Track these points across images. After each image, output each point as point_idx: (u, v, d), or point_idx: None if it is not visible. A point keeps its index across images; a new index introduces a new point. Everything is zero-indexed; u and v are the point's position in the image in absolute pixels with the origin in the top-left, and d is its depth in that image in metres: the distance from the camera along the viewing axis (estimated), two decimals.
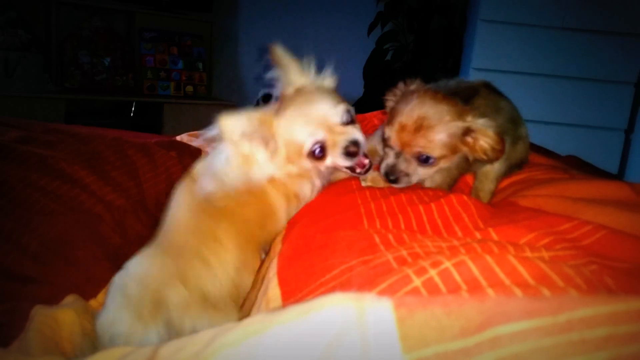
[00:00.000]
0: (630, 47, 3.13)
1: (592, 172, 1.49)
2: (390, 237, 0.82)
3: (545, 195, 0.94)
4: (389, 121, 1.07)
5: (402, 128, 1.03)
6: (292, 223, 1.05)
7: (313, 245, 0.90)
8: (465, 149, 1.03)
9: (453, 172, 1.17)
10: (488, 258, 0.56)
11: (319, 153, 1.06)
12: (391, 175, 1.08)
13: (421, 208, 0.92)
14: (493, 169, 1.20)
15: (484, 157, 1.02)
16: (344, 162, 1.08)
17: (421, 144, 1.02)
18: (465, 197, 0.94)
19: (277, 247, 0.99)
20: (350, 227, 0.92)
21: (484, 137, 0.99)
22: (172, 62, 3.91)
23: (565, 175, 1.18)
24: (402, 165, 1.07)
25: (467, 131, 1.01)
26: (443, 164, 1.07)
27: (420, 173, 1.08)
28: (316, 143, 1.05)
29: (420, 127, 1.00)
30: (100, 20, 3.73)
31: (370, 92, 3.85)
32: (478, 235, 0.76)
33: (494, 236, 0.74)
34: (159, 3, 3.81)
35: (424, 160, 1.05)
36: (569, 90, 3.20)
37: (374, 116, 2.32)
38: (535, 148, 1.77)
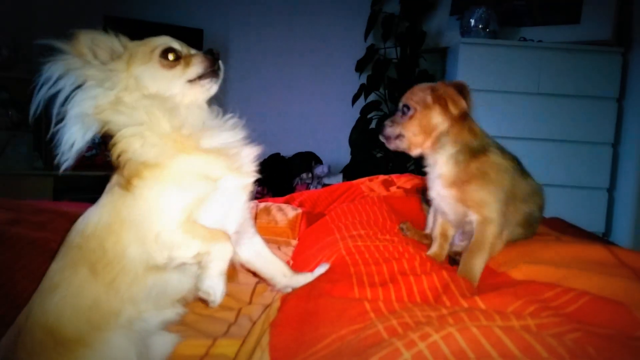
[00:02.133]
0: (605, 109, 3.27)
1: (576, 233, 1.52)
2: (381, 304, 0.83)
3: (531, 262, 0.96)
4: None
5: None
6: (287, 294, 1.05)
7: (305, 313, 0.90)
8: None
9: None
10: (474, 330, 0.58)
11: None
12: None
13: (412, 279, 0.93)
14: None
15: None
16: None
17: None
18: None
19: (272, 316, 0.99)
20: (341, 295, 0.93)
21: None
22: None
23: (550, 238, 1.21)
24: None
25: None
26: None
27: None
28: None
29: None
30: None
31: (357, 158, 3.93)
32: (465, 304, 0.77)
33: (481, 305, 0.76)
34: None
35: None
36: (552, 152, 3.30)
37: (360, 183, 2.37)
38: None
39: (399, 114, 1.26)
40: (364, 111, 3.84)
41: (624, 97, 3.36)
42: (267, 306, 1.05)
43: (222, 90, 1.09)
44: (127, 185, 0.93)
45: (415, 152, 1.26)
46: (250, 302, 1.33)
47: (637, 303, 0.70)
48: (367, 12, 3.71)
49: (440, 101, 1.22)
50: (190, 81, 1.02)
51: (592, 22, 3.33)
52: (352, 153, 3.98)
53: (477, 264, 1.05)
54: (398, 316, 0.74)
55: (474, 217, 1.13)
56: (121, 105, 0.96)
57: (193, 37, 4.10)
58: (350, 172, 3.87)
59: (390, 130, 1.25)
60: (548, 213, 2.01)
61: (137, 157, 0.93)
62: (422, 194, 1.70)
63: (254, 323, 1.08)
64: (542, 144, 3.29)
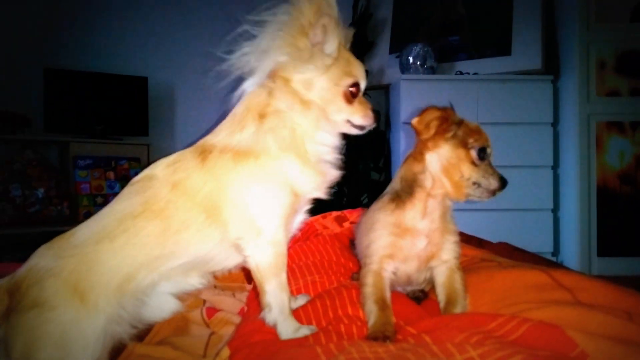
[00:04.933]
0: (541, 134, 3.44)
1: (522, 257, 1.57)
2: (332, 347, 0.83)
3: (476, 293, 0.99)
4: (479, 136, 1.09)
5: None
6: (236, 348, 1.03)
7: None
8: None
9: None
10: None
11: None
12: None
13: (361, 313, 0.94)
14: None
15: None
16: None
17: None
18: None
19: None
20: (295, 344, 0.93)
21: None
22: (109, 186, 3.90)
23: (494, 264, 1.24)
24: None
25: None
26: None
27: None
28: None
29: None
30: (33, 152, 3.72)
31: None
32: (412, 340, 0.78)
33: (428, 340, 0.77)
34: (93, 132, 3.87)
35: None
36: None
37: (314, 221, 2.36)
38: (467, 239, 1.86)
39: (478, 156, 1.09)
40: None
41: (558, 122, 3.55)
42: (216, 355, 1.02)
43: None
44: (237, 155, 0.98)
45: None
46: (204, 355, 1.29)
47: (571, 324, 0.73)
48: None
49: None
50: (349, 122, 1.06)
51: (522, 53, 3.54)
52: None
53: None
54: (347, 352, 0.75)
55: (442, 266, 1.08)
56: (293, 90, 1.00)
57: (137, 86, 4.08)
58: None
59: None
60: (497, 238, 2.08)
61: (267, 140, 0.98)
62: (351, 244, 1.58)
63: None
64: (486, 213, 3.39)
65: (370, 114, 1.08)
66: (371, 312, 0.99)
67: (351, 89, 1.03)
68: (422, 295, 1.19)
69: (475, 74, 3.54)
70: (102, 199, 3.85)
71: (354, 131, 1.09)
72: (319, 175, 1.04)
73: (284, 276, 1.03)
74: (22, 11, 3.94)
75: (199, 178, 0.98)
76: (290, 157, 1.00)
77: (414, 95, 3.39)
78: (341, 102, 1.03)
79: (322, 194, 1.07)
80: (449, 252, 1.07)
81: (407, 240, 1.07)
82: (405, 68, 3.55)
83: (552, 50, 3.65)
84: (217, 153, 1.00)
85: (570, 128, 3.45)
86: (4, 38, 3.83)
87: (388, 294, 1.03)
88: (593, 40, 3.37)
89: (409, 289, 1.21)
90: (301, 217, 1.12)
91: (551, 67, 3.59)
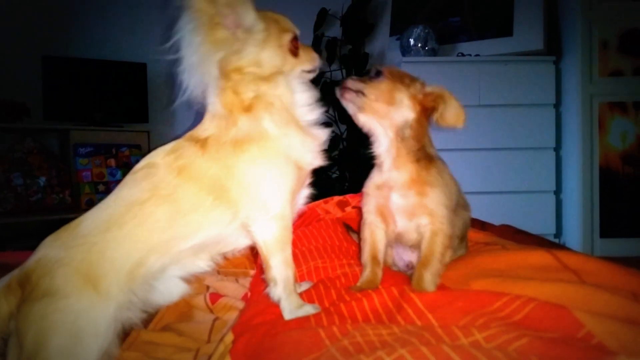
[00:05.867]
0: (544, 116, 3.42)
1: (525, 239, 1.57)
2: (335, 329, 0.83)
3: (481, 277, 0.99)
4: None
5: None
6: (239, 332, 1.04)
7: (260, 349, 0.89)
8: None
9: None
10: (425, 350, 0.58)
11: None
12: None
13: (365, 301, 0.94)
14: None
15: None
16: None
17: None
18: (406, 288, 0.97)
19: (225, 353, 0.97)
20: (297, 326, 0.92)
21: None
22: (110, 174, 3.89)
23: (497, 247, 1.24)
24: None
25: None
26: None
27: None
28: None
29: None
30: (33, 140, 3.71)
31: (312, 180, 3.93)
32: (418, 322, 0.78)
33: (434, 322, 0.77)
34: (93, 119, 3.85)
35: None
36: (498, 161, 3.40)
37: (316, 206, 2.36)
38: (470, 221, 1.85)
39: (368, 76, 1.15)
40: None
41: (560, 103, 3.53)
42: (220, 341, 1.02)
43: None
44: (237, 144, 0.98)
45: (363, 118, 1.16)
46: (208, 341, 1.29)
47: (577, 304, 0.73)
48: (310, 37, 3.77)
49: (425, 97, 1.15)
50: (302, 71, 1.10)
51: (524, 34, 3.50)
52: None
53: (428, 277, 1.02)
54: (351, 336, 0.75)
55: (426, 226, 1.08)
56: (250, 74, 1.01)
57: (136, 72, 4.05)
58: None
59: (352, 83, 1.13)
60: (499, 220, 2.07)
61: (263, 124, 1.00)
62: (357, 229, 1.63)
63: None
64: (488, 153, 3.40)
65: (315, 56, 1.13)
66: (365, 265, 1.13)
67: (292, 42, 1.07)
68: None
69: (476, 55, 3.50)
70: (103, 186, 3.85)
71: (309, 77, 1.12)
72: (314, 140, 1.07)
73: (289, 252, 1.05)
74: None
75: (203, 163, 1.00)
76: (290, 132, 1.03)
77: None
78: (290, 59, 1.07)
79: (320, 161, 1.10)
80: (427, 210, 1.08)
81: (384, 196, 1.13)
82: (406, 50, 3.52)
83: (554, 30, 3.61)
84: (215, 143, 1.01)
85: (573, 109, 3.42)
86: (1, 27, 3.80)
87: (380, 248, 1.15)
88: (596, 19, 3.33)
89: (409, 273, 1.21)
90: (306, 192, 1.15)
91: (553, 47, 3.56)
